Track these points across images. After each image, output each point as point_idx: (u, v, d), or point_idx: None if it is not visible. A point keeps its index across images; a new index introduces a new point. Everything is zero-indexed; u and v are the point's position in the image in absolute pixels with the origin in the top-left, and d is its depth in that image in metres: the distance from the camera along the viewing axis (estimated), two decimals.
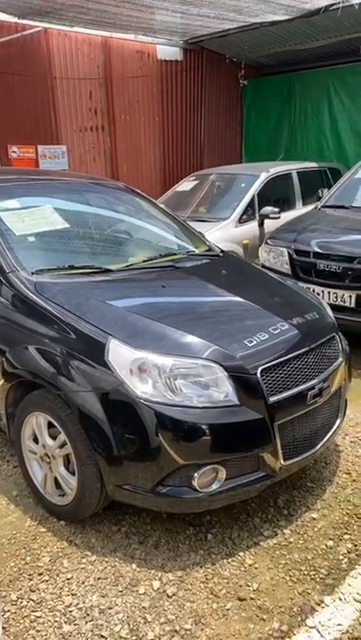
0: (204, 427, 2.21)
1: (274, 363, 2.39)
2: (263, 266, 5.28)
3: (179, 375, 2.26)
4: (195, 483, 2.24)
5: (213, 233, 6.35)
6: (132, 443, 2.25)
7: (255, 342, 2.42)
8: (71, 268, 2.83)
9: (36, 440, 2.65)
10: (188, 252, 3.40)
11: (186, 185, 7.64)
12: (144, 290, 2.82)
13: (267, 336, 2.47)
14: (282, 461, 2.41)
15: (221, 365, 2.29)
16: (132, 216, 3.70)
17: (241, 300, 2.78)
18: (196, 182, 7.54)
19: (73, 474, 2.47)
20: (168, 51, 9.58)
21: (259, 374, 2.32)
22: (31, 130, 8.07)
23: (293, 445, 2.48)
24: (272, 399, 2.34)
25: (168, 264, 3.11)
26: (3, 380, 2.69)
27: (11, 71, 7.66)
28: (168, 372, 2.25)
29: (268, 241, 5.33)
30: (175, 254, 3.29)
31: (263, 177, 6.92)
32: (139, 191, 3.94)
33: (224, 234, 6.44)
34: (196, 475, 2.24)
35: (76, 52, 8.38)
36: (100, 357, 2.30)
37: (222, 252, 3.65)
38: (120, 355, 2.28)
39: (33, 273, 2.72)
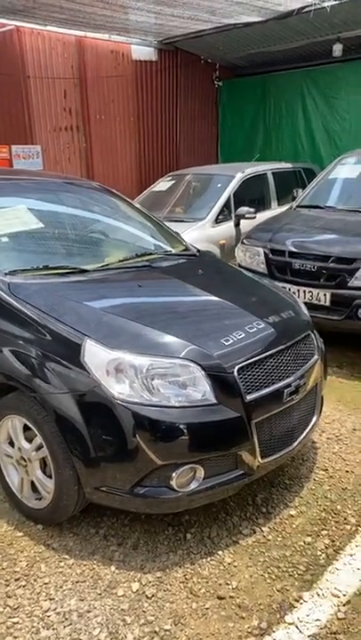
0: (181, 426, 2.21)
1: (250, 361, 2.40)
2: (240, 265, 5.30)
3: (156, 375, 2.25)
4: (173, 483, 2.24)
5: (190, 233, 6.35)
6: (110, 444, 2.23)
7: (232, 341, 2.42)
8: (46, 268, 2.79)
9: (11, 443, 2.61)
10: (164, 252, 3.39)
11: (162, 185, 7.63)
12: (120, 290, 2.81)
13: (243, 334, 2.48)
14: (259, 459, 2.42)
15: (199, 364, 2.29)
16: (108, 216, 3.68)
17: (217, 299, 2.79)
18: (173, 182, 7.54)
19: (50, 477, 2.44)
20: (142, 51, 9.56)
21: (236, 373, 2.33)
22: (4, 130, 7.97)
23: (271, 443, 2.49)
24: (249, 397, 2.35)
25: (144, 264, 3.10)
26: None
27: None
28: (145, 372, 2.24)
29: (245, 240, 5.36)
30: (152, 254, 3.28)
31: (239, 177, 6.96)
32: (114, 191, 3.92)
33: (201, 234, 6.45)
34: (174, 475, 2.23)
35: (49, 51, 8.30)
36: (75, 358, 2.28)
37: (199, 251, 3.66)
38: (96, 355, 2.26)
39: (6, 274, 2.67)
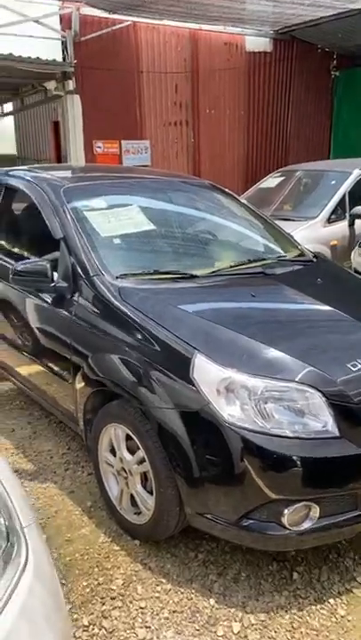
0: (298, 459, 1.98)
1: None
2: (355, 270, 4.91)
3: (270, 399, 2.03)
4: (284, 519, 2.01)
5: (299, 232, 6.01)
6: (217, 468, 2.06)
7: (360, 366, 2.14)
8: (156, 273, 2.67)
9: (113, 452, 2.53)
10: (278, 257, 3.15)
11: (271, 181, 7.33)
12: (232, 299, 2.62)
13: None
14: None
15: (319, 391, 2.04)
16: (219, 217, 3.50)
17: (342, 314, 2.50)
18: (282, 179, 7.21)
19: (151, 493, 2.32)
20: (257, 42, 9.27)
21: None
22: (116, 125, 8.09)
23: None
24: None
25: (257, 270, 2.87)
26: (83, 385, 2.59)
27: (99, 66, 7.69)
28: (259, 395, 2.03)
29: None
30: (265, 259, 3.05)
31: (356, 174, 6.48)
32: (226, 190, 3.73)
33: (311, 234, 6.08)
34: (286, 511, 2.01)
35: (163, 45, 8.29)
36: (184, 373, 2.12)
37: (315, 256, 3.36)
38: (207, 372, 2.09)
39: (117, 277, 2.59)
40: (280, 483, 1.99)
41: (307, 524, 2.05)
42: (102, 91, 7.75)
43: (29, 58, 6.69)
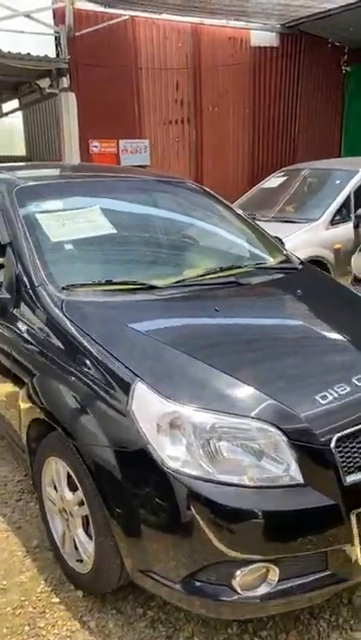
0: (251, 513, 1.64)
1: (356, 428, 1.75)
2: (355, 278, 4.53)
3: (221, 438, 1.70)
4: (235, 582, 1.68)
5: (300, 235, 5.66)
6: (158, 519, 1.73)
7: (331, 398, 1.79)
8: (109, 283, 2.35)
9: (56, 488, 2.21)
10: (257, 265, 2.80)
11: (273, 181, 6.96)
12: (191, 315, 2.28)
13: (348, 389, 1.83)
14: (360, 560, 1.77)
15: (279, 429, 1.70)
16: (195, 219, 3.17)
17: (319, 332, 2.16)
18: (285, 178, 6.84)
19: (92, 539, 2.00)
20: (263, 36, 8.91)
21: (333, 445, 1.70)
22: (114, 124, 7.80)
23: None
24: (351, 479, 1.71)
25: (230, 280, 2.53)
26: (27, 407, 2.27)
27: (95, 63, 7.41)
28: (207, 433, 1.70)
29: None
30: (240, 267, 2.70)
31: None
32: (208, 190, 3.39)
33: (312, 237, 5.72)
34: (238, 572, 1.67)
35: (163, 40, 7.98)
36: (123, 405, 1.80)
37: (302, 263, 3.01)
38: (147, 405, 1.76)
39: (63, 288, 2.28)
40: (230, 540, 1.65)
41: (264, 589, 1.71)
42: (99, 88, 7.47)
43: (19, 54, 6.44)
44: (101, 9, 7.23)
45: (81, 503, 2.02)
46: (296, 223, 5.87)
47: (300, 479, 1.69)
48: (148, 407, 1.75)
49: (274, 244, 3.17)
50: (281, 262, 2.92)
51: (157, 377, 1.82)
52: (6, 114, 9.59)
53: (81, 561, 2.11)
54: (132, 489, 1.75)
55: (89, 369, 1.96)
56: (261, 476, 1.69)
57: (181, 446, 1.70)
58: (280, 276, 2.73)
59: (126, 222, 2.85)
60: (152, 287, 2.36)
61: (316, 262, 5.75)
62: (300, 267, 2.94)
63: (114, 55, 7.51)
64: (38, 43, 6.88)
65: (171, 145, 8.39)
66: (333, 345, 2.08)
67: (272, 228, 5.85)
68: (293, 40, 9.10)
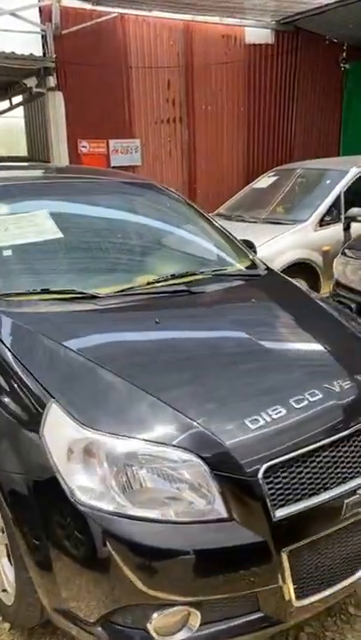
0: (168, 551, 1.49)
1: (288, 457, 1.58)
2: (337, 282, 4.34)
3: (137, 469, 1.54)
4: (151, 627, 1.52)
5: (286, 237, 5.49)
6: (71, 555, 1.57)
7: (262, 422, 1.62)
8: (45, 292, 2.19)
9: None
10: (215, 271, 2.63)
11: (264, 181, 6.78)
12: (128, 327, 2.12)
13: (284, 412, 1.66)
14: (294, 601, 1.61)
15: (201, 457, 1.54)
16: (156, 224, 3.00)
17: (264, 347, 1.99)
18: (276, 178, 6.66)
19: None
20: (258, 33, 8.71)
21: (261, 475, 1.53)
22: (103, 123, 7.65)
23: (316, 577, 1.66)
24: (280, 513, 1.54)
25: (180, 288, 2.36)
26: None
27: (84, 62, 7.27)
28: (122, 463, 1.54)
29: (347, 251, 4.39)
30: (195, 274, 2.53)
31: (353, 172, 5.88)
32: (172, 190, 3.23)
33: (300, 238, 5.54)
34: (154, 615, 1.52)
35: (154, 38, 7.81)
36: (37, 428, 1.65)
37: (267, 269, 2.84)
38: (59, 429, 1.60)
39: None
40: (147, 579, 1.50)
41: (183, 634, 1.55)
42: (88, 87, 7.33)
43: (3, 53, 6.33)
44: (89, 6, 7.08)
45: (2, 530, 1.88)
46: (284, 225, 5.69)
47: (223, 513, 1.53)
48: (59, 432, 1.60)
49: (240, 249, 2.99)
50: (243, 269, 2.75)
51: (74, 398, 1.67)
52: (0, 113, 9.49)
53: (5, 591, 1.97)
54: (44, 521, 1.60)
55: (8, 388, 1.81)
56: (181, 511, 1.53)
57: (95, 477, 1.55)
58: (238, 283, 2.56)
59: (77, 226, 2.69)
60: (93, 296, 2.20)
61: (304, 265, 5.58)
62: (264, 273, 2.77)
63: (103, 53, 7.36)
64: (24, 41, 6.75)
65: (163, 145, 8.22)
66: (277, 362, 1.91)
67: (260, 230, 5.73)
68: (289, 37, 8.89)
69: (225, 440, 1.56)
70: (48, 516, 1.60)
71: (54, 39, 6.88)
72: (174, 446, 1.55)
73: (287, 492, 1.57)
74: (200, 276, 2.53)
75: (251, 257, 2.93)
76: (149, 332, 2.06)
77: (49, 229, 2.52)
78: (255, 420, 1.62)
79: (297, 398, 1.71)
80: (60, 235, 2.50)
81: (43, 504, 1.61)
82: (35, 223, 2.55)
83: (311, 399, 1.72)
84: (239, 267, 2.76)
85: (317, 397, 1.73)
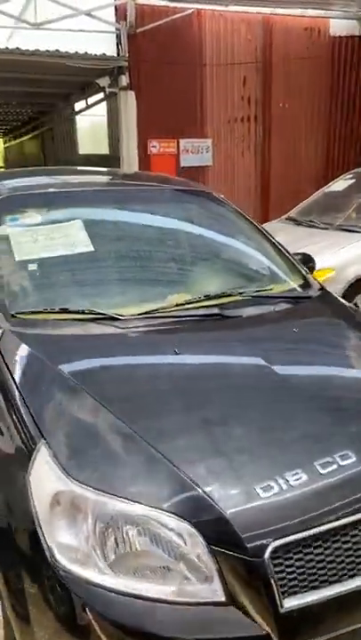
0: (153, 636, 1.27)
1: (305, 535, 1.31)
2: None
3: (122, 533, 1.34)
4: None
5: (353, 249, 5.04)
6: (44, 612, 1.40)
7: (276, 489, 1.36)
8: (63, 311, 2.04)
9: None
10: (256, 292, 2.36)
11: (339, 184, 6.31)
12: (142, 358, 1.91)
13: (305, 477, 1.39)
14: None
15: (197, 528, 1.31)
16: (202, 238, 2.76)
17: (297, 390, 1.70)
18: (353, 181, 6.17)
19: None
20: (343, 25, 8.17)
21: (268, 555, 1.28)
22: (175, 122, 7.49)
23: None
24: (290, 603, 1.28)
25: (212, 311, 2.12)
26: None
27: (157, 60, 7.15)
28: (106, 526, 1.34)
29: None
30: (232, 294, 2.27)
31: None
32: (225, 200, 2.96)
33: None
34: None
35: (231, 33, 7.54)
36: (25, 469, 1.49)
37: (321, 289, 2.52)
38: (45, 477, 1.44)
39: (12, 316, 2.01)
40: None
41: None
42: (160, 86, 7.19)
43: (77, 53, 6.33)
44: (165, 3, 6.93)
45: None
46: (357, 233, 5.24)
47: (221, 596, 1.29)
48: (44, 479, 1.43)
49: (293, 265, 2.68)
50: (292, 289, 2.46)
51: (67, 443, 1.49)
52: (77, 112, 9.65)
53: None
54: (27, 574, 1.44)
55: (5, 417, 1.67)
56: (173, 588, 1.31)
57: (80, 535, 1.36)
58: (282, 307, 2.27)
59: (112, 239, 2.53)
60: (114, 318, 2.02)
61: None
62: (317, 294, 2.45)
63: (176, 51, 7.19)
64: (98, 41, 6.73)
65: (235, 144, 7.93)
66: (310, 412, 1.62)
67: (332, 238, 5.31)
68: None
69: (226, 508, 1.31)
70: (30, 570, 1.44)
71: (128, 38, 6.81)
72: (163, 510, 1.32)
73: (301, 577, 1.30)
74: (238, 297, 2.27)
75: (304, 274, 2.63)
76: (165, 366, 1.84)
77: (80, 241, 2.37)
78: (268, 486, 1.36)
79: (324, 461, 1.43)
80: (90, 248, 2.35)
81: (22, 552, 1.45)
82: (66, 234, 2.41)
83: (341, 463, 1.43)
84: (288, 286, 2.47)
85: (349, 461, 1.44)
